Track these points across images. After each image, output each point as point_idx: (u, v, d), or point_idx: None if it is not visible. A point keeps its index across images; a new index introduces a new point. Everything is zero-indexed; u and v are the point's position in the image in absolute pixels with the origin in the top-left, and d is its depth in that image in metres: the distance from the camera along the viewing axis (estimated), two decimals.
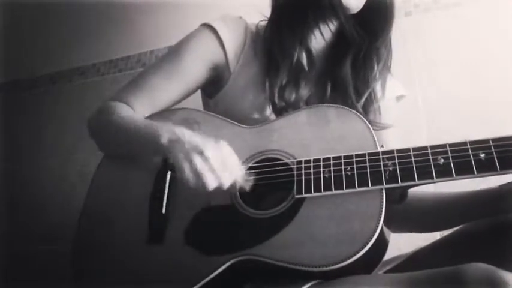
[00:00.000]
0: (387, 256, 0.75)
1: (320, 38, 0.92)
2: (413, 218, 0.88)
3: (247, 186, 0.77)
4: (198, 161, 0.71)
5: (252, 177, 0.78)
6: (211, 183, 0.71)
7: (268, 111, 0.90)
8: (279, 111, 0.89)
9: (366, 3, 0.88)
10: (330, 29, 0.90)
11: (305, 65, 0.91)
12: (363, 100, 0.92)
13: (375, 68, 0.93)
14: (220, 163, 0.72)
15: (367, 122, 0.78)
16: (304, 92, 0.91)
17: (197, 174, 0.71)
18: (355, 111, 0.81)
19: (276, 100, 0.88)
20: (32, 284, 1.55)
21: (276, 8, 0.94)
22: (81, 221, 0.88)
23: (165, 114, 0.93)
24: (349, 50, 0.92)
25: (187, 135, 0.75)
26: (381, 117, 0.95)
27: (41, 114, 1.86)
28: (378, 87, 0.95)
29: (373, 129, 0.78)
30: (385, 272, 0.83)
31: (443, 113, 1.28)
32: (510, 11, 1.28)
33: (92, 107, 0.97)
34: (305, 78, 0.91)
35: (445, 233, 0.88)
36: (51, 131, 1.82)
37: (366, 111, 0.92)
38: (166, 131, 0.78)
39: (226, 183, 0.72)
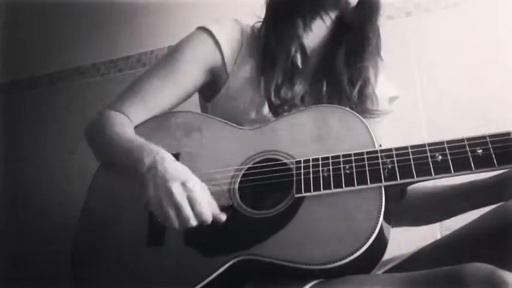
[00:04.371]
0: (387, 256, 0.75)
1: (314, 34, 0.93)
2: (408, 212, 0.88)
3: (220, 220, 0.75)
4: (163, 199, 0.71)
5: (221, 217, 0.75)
6: (175, 222, 0.71)
7: (266, 111, 0.90)
8: (275, 109, 0.89)
9: None
10: (324, 23, 0.92)
11: (299, 62, 0.92)
12: (357, 88, 0.93)
13: (366, 51, 0.94)
14: (186, 202, 0.71)
15: (365, 122, 0.78)
16: (299, 89, 0.92)
17: (162, 212, 0.71)
18: (354, 112, 0.82)
19: (272, 98, 0.89)
20: (33, 284, 1.55)
21: (271, 5, 0.96)
22: (81, 222, 0.88)
23: (166, 117, 0.94)
24: (342, 42, 0.94)
25: (164, 166, 0.74)
26: (378, 105, 0.96)
27: (41, 114, 1.86)
28: (370, 73, 0.96)
29: (371, 117, 0.79)
30: (385, 272, 0.83)
31: (443, 112, 1.28)
32: (510, 11, 1.28)
33: (92, 107, 0.98)
34: (300, 75, 0.92)
35: (445, 232, 0.88)
36: (51, 131, 1.82)
37: (361, 100, 0.93)
38: (147, 159, 0.77)
39: (191, 223, 0.71)
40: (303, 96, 0.94)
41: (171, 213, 0.71)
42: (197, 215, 0.71)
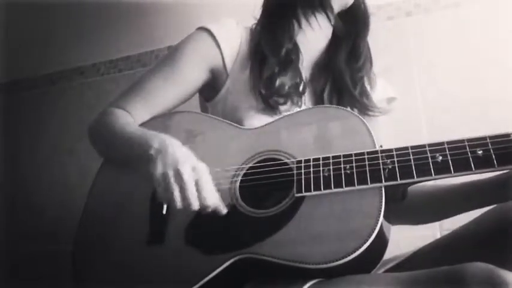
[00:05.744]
0: (387, 255, 0.75)
1: (309, 34, 0.96)
2: (409, 211, 0.88)
3: (221, 212, 0.75)
4: (171, 178, 0.72)
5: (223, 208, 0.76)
6: (178, 202, 0.72)
7: (264, 110, 0.90)
8: (267, 100, 0.90)
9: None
10: (319, 25, 0.95)
11: (291, 56, 0.93)
12: (358, 86, 0.96)
13: (360, 60, 0.98)
14: (193, 184, 0.72)
15: (366, 123, 0.79)
16: (290, 79, 0.93)
17: (167, 190, 0.72)
18: (354, 113, 0.82)
19: (263, 90, 0.90)
20: (33, 284, 1.55)
21: (265, 5, 0.99)
22: (82, 222, 0.88)
23: (168, 117, 0.94)
24: (342, 45, 0.98)
25: (174, 149, 0.76)
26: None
27: (41, 114, 1.86)
28: (365, 82, 0.99)
29: (373, 115, 0.79)
30: (385, 272, 0.83)
31: (443, 113, 1.28)
32: (510, 11, 1.28)
33: (92, 107, 0.98)
34: (291, 66, 0.93)
35: (445, 232, 0.88)
36: (51, 131, 1.82)
37: (362, 97, 0.96)
38: (156, 142, 0.78)
39: (194, 205, 0.72)
40: (298, 86, 0.94)
41: (176, 192, 0.71)
42: (201, 199, 0.72)
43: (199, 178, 0.72)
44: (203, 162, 0.76)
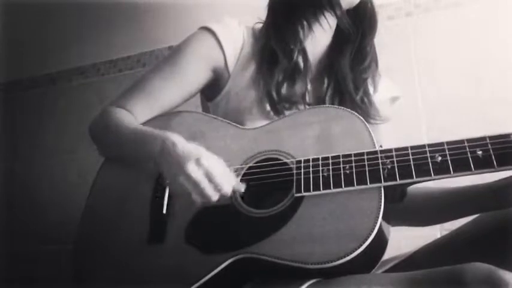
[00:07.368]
0: (387, 256, 0.75)
1: (316, 37, 0.95)
2: (409, 213, 0.88)
3: (239, 191, 0.76)
4: (182, 178, 0.72)
5: (243, 185, 0.77)
6: (198, 200, 0.72)
7: (267, 110, 0.90)
8: (275, 106, 0.89)
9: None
10: (329, 24, 0.93)
11: (301, 63, 0.93)
12: (360, 92, 0.94)
13: (366, 61, 0.97)
14: (204, 179, 0.71)
15: (365, 123, 0.79)
16: (299, 88, 0.93)
17: (182, 190, 0.72)
18: (354, 113, 0.82)
19: (274, 94, 0.89)
20: (32, 284, 1.55)
21: (273, 8, 0.97)
22: (83, 222, 0.88)
23: (169, 117, 0.94)
24: (347, 45, 0.96)
25: (178, 146, 0.75)
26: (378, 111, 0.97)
27: (41, 114, 1.86)
28: (369, 84, 0.98)
29: (374, 123, 0.80)
30: (385, 272, 0.83)
31: (443, 113, 1.28)
32: (510, 11, 1.28)
33: (92, 107, 0.97)
34: (301, 76, 0.93)
35: (445, 232, 0.88)
36: (51, 131, 1.82)
37: (364, 104, 0.95)
38: (158, 142, 0.78)
39: (213, 198, 0.72)
40: (304, 95, 0.94)
41: (192, 191, 0.72)
42: (216, 188, 0.72)
43: (206, 170, 0.72)
44: (207, 152, 0.75)
